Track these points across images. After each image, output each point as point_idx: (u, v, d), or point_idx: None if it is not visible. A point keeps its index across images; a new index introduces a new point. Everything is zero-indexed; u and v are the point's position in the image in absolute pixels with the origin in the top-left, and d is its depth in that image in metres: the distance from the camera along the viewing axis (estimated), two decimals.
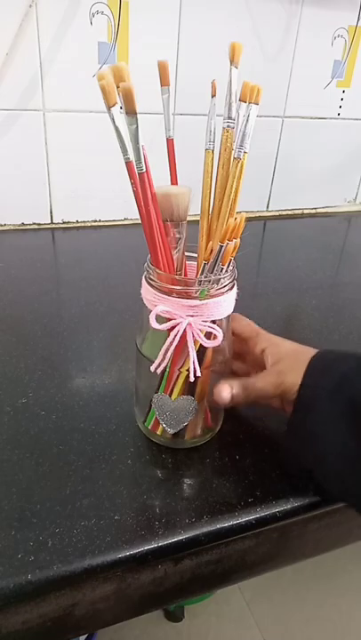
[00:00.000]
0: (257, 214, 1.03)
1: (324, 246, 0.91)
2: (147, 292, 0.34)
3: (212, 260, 0.32)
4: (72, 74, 0.76)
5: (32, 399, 0.43)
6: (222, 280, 0.33)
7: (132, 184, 0.31)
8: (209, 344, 0.33)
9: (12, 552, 0.30)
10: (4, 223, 0.84)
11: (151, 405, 0.37)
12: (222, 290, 0.33)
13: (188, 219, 0.34)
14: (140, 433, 0.40)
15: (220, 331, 0.33)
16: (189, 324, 0.32)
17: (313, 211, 1.08)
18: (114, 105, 0.29)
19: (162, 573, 0.33)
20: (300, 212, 1.07)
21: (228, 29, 0.81)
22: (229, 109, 0.33)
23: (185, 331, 0.32)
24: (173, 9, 0.77)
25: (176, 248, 0.35)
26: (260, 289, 0.70)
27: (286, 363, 0.36)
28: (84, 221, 0.89)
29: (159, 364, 0.33)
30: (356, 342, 0.56)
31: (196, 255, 0.36)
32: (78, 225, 0.88)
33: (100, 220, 0.90)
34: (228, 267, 0.33)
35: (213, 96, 0.34)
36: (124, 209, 0.90)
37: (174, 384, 0.36)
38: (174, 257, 0.35)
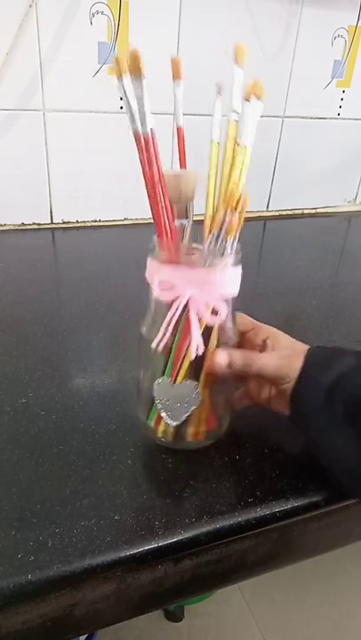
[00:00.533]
0: (257, 214, 1.03)
1: (324, 246, 0.91)
2: (150, 267, 0.33)
3: (216, 230, 0.32)
4: (72, 74, 0.76)
5: (32, 399, 0.43)
6: (226, 252, 0.32)
7: (139, 157, 0.31)
8: (212, 320, 0.33)
9: (12, 552, 0.30)
10: (3, 223, 0.84)
11: (153, 400, 0.37)
12: (226, 265, 0.32)
13: (194, 218, 0.34)
14: (141, 433, 0.40)
15: (224, 306, 0.33)
16: (192, 297, 0.32)
17: (313, 211, 1.08)
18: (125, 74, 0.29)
19: (162, 573, 0.33)
20: (300, 212, 1.07)
21: (228, 29, 0.81)
22: (234, 104, 0.33)
23: (188, 306, 0.32)
24: (173, 9, 0.77)
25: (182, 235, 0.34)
26: (260, 289, 0.70)
27: (289, 352, 0.36)
28: (84, 221, 0.89)
29: (161, 339, 0.33)
30: (357, 342, 0.56)
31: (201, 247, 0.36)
32: (78, 225, 0.88)
33: (100, 220, 0.90)
34: (233, 240, 0.32)
35: (219, 94, 0.34)
36: (124, 209, 0.90)
37: (180, 367, 0.35)
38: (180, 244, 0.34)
